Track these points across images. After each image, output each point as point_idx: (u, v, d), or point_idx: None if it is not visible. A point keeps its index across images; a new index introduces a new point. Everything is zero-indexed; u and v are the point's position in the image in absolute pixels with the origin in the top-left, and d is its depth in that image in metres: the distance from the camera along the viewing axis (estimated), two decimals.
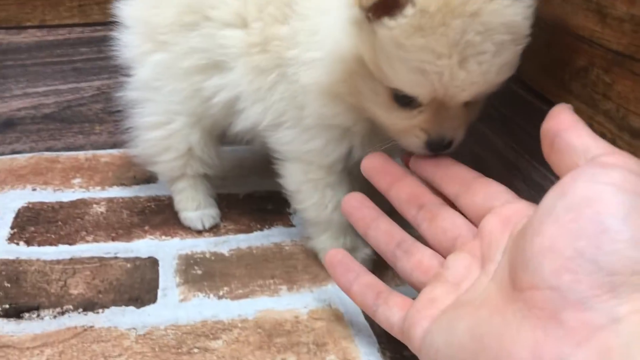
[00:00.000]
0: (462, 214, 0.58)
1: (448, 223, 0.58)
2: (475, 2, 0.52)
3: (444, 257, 0.57)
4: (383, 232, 0.62)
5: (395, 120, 0.61)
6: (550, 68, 0.68)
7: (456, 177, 0.59)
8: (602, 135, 0.60)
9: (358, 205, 0.64)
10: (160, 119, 0.78)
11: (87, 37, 0.95)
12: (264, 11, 0.67)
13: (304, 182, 0.72)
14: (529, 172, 0.73)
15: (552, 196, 0.43)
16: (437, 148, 0.61)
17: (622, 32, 0.57)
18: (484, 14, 0.52)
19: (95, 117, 1.00)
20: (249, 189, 0.93)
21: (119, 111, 1.00)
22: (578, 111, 0.63)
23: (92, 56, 0.97)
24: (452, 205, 0.60)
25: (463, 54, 0.53)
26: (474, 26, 0.52)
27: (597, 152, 0.45)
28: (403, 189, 0.62)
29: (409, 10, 0.52)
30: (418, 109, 0.59)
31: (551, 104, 0.67)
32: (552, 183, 0.68)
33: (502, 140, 0.78)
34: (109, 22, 0.94)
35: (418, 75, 0.54)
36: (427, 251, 0.59)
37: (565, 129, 0.48)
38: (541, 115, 0.69)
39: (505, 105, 0.77)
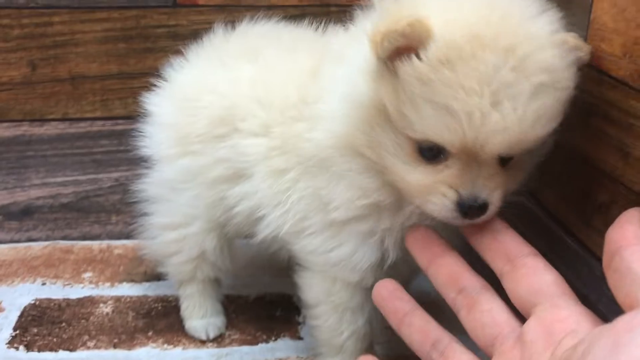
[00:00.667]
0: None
1: (487, 317, 0.52)
2: (508, 38, 0.48)
3: (483, 350, 0.52)
4: (417, 330, 0.55)
5: (419, 177, 0.54)
6: (571, 198, 0.64)
7: (502, 250, 0.52)
8: None
9: (389, 296, 0.58)
10: (178, 220, 0.76)
11: (108, 130, 0.96)
12: (285, 115, 0.65)
13: (324, 302, 0.68)
14: None
15: (603, 348, 0.36)
16: (470, 210, 0.53)
17: None
18: (519, 50, 0.48)
19: (112, 208, 1.00)
20: (260, 290, 0.90)
21: (136, 203, 1.00)
22: (598, 247, 0.59)
23: (112, 148, 0.97)
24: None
25: (496, 93, 0.48)
26: (509, 62, 0.48)
27: None
28: (442, 268, 0.55)
29: (434, 44, 0.48)
30: (445, 162, 0.53)
31: (573, 236, 0.64)
32: None
33: None
34: (130, 117, 0.95)
35: (445, 116, 0.49)
36: (464, 356, 0.53)
37: (628, 246, 0.42)
38: (564, 246, 0.65)
39: (526, 227, 0.73)
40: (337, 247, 0.64)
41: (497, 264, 0.52)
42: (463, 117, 0.48)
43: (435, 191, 0.53)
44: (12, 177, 0.96)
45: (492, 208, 0.53)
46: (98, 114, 0.95)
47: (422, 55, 0.48)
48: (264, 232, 0.69)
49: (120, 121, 0.96)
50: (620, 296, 0.42)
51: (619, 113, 0.56)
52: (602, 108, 0.58)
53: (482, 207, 0.53)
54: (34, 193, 0.98)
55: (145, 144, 0.77)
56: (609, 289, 0.58)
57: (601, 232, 0.59)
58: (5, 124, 0.93)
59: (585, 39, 0.59)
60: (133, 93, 0.94)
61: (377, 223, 0.62)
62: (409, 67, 0.49)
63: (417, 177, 0.54)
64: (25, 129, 0.94)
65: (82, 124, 0.95)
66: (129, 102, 0.95)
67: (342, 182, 0.60)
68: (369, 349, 0.71)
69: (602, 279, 0.59)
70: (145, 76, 0.93)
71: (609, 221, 0.58)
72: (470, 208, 0.52)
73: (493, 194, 0.53)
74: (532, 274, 0.50)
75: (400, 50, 0.50)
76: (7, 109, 0.92)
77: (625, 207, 0.56)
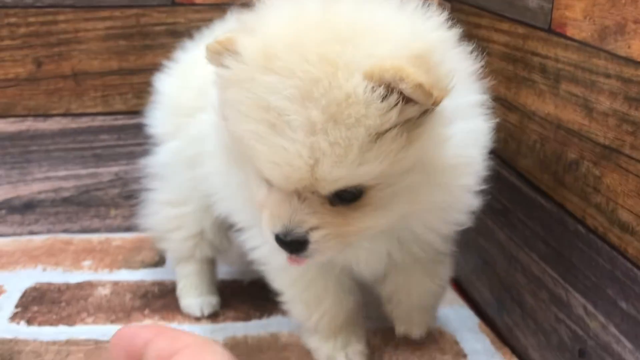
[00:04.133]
0: None
1: None
2: (300, 61, 0.45)
3: None
4: None
5: (256, 195, 0.53)
6: (545, 162, 0.68)
7: None
8: (594, 228, 0.59)
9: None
10: (176, 198, 0.79)
11: (108, 125, 1.00)
12: None
13: (287, 292, 0.71)
14: (528, 265, 0.72)
15: None
16: (284, 245, 0.51)
17: (607, 126, 0.57)
18: (305, 76, 0.45)
19: (112, 202, 1.03)
20: (254, 276, 0.92)
21: (134, 196, 1.03)
22: (571, 204, 0.63)
23: (111, 143, 1.01)
24: None
25: (268, 119, 0.46)
26: (289, 87, 0.45)
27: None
28: None
29: (229, 61, 0.49)
30: (271, 188, 0.51)
31: (548, 198, 0.67)
32: (551, 278, 0.66)
33: (503, 233, 0.77)
34: (130, 112, 1.00)
35: (236, 141, 0.50)
36: None
37: None
38: (539, 209, 0.69)
39: (506, 197, 0.76)
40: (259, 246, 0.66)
41: None
42: (245, 147, 0.48)
43: (262, 215, 0.52)
44: (16, 172, 1.00)
45: (314, 247, 0.51)
46: (99, 109, 0.99)
47: (220, 70, 0.50)
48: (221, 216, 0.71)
49: (119, 116, 1.00)
50: None
51: (583, 73, 0.60)
52: (569, 71, 0.62)
53: (299, 243, 0.50)
54: (36, 187, 1.01)
55: (150, 123, 0.80)
56: (581, 242, 0.62)
57: (572, 189, 0.63)
58: (11, 119, 0.97)
59: (551, 8, 0.64)
60: (132, 89, 0.99)
61: None
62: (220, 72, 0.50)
63: (254, 193, 0.53)
64: (29, 124, 0.98)
65: (84, 119, 0.99)
66: (129, 98, 0.99)
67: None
68: (354, 325, 0.72)
69: (574, 233, 0.63)
70: (145, 72, 0.98)
71: (578, 177, 0.62)
72: (282, 241, 0.51)
73: (314, 233, 0.50)
74: None
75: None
76: (12, 105, 0.97)
77: (592, 162, 0.60)
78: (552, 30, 0.64)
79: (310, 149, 0.45)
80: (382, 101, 0.45)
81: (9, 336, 0.76)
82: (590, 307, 0.61)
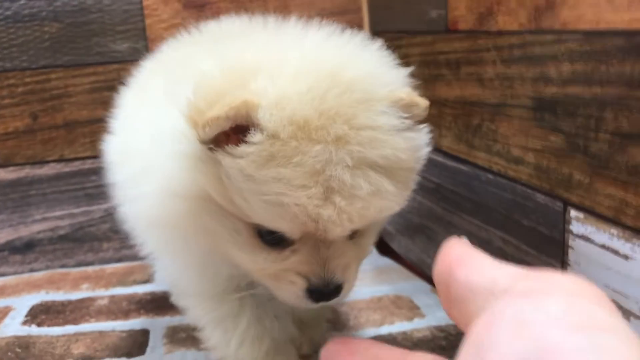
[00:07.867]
0: None
1: None
2: (339, 127, 0.43)
3: None
4: None
5: (264, 264, 0.48)
6: (458, 135, 0.84)
7: None
8: (497, 171, 0.74)
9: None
10: None
11: (97, 167, 1.14)
12: None
13: (203, 317, 0.63)
14: (460, 225, 0.86)
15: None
16: (322, 296, 0.49)
17: (494, 88, 0.74)
18: (352, 142, 0.43)
19: (103, 236, 1.16)
20: None
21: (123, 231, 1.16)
22: (481, 159, 0.79)
23: (100, 183, 1.14)
24: None
25: (328, 188, 0.43)
26: (340, 156, 0.42)
27: (508, 280, 0.27)
28: None
29: (256, 137, 0.42)
30: (290, 247, 0.47)
31: (466, 162, 0.83)
32: (476, 226, 0.80)
33: (440, 207, 0.92)
34: None
35: (278, 207, 0.43)
36: None
37: (459, 265, 0.32)
38: (461, 174, 0.84)
39: (435, 175, 0.92)
40: (183, 270, 0.62)
41: None
42: (296, 210, 0.43)
43: (283, 279, 0.48)
44: (16, 215, 1.13)
45: (348, 286, 0.50)
46: (88, 153, 1.14)
47: (244, 146, 0.43)
48: None
49: None
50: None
51: (474, 54, 0.78)
52: (464, 57, 0.80)
53: (336, 291, 0.49)
54: (36, 228, 1.14)
55: None
56: (491, 186, 0.77)
57: (479, 147, 0.79)
58: (11, 168, 1.11)
59: (446, 14, 0.83)
60: None
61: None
62: (230, 160, 0.44)
63: (261, 265, 0.49)
64: (27, 171, 1.12)
65: (76, 163, 1.14)
66: None
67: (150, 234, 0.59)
68: (286, 355, 0.65)
69: (486, 182, 0.78)
70: None
71: (482, 136, 0.78)
72: (322, 294, 0.49)
73: (347, 273, 0.49)
74: None
75: (224, 135, 0.44)
76: (12, 155, 1.11)
77: (489, 120, 0.76)
78: (449, 30, 0.82)
79: (376, 204, 0.45)
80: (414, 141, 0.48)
81: (22, 334, 0.86)
82: (506, 236, 0.75)
